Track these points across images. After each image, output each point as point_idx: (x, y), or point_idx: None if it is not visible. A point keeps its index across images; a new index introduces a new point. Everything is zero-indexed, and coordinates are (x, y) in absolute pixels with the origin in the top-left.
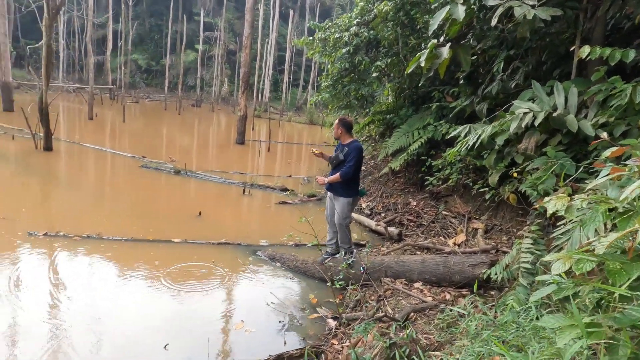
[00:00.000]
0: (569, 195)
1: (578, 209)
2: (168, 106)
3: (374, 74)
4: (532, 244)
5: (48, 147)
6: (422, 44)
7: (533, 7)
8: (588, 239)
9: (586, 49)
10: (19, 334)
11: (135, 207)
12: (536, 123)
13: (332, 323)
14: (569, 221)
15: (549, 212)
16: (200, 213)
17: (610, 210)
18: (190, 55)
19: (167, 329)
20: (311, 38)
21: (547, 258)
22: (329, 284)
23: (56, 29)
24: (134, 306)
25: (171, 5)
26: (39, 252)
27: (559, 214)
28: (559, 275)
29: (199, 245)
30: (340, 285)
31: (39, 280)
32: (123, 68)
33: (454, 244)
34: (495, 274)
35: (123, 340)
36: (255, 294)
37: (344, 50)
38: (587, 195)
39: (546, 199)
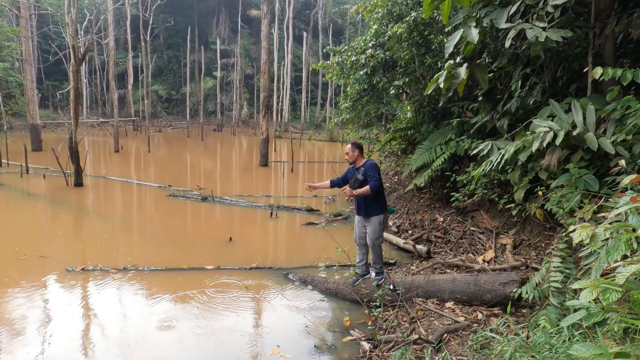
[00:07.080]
0: (594, 212)
1: (602, 239)
2: (190, 133)
3: (392, 92)
4: (561, 262)
5: (78, 183)
6: (439, 62)
7: (544, 29)
8: (609, 264)
9: (599, 70)
10: None
11: (166, 236)
12: (557, 142)
13: (366, 346)
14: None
15: (575, 241)
16: (230, 239)
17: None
18: (209, 82)
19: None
20: (328, 62)
21: (575, 285)
22: (363, 307)
23: None
24: (170, 332)
25: (188, 37)
26: (77, 287)
27: (585, 243)
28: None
29: (232, 270)
30: (377, 313)
31: (81, 316)
32: (145, 100)
33: (483, 260)
34: (526, 292)
35: None
36: (289, 317)
37: (361, 72)
38: (611, 224)
39: (571, 227)
